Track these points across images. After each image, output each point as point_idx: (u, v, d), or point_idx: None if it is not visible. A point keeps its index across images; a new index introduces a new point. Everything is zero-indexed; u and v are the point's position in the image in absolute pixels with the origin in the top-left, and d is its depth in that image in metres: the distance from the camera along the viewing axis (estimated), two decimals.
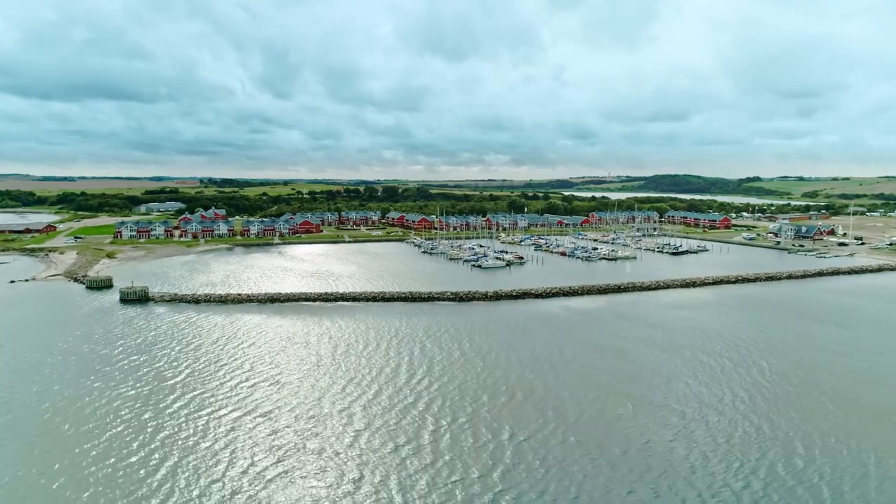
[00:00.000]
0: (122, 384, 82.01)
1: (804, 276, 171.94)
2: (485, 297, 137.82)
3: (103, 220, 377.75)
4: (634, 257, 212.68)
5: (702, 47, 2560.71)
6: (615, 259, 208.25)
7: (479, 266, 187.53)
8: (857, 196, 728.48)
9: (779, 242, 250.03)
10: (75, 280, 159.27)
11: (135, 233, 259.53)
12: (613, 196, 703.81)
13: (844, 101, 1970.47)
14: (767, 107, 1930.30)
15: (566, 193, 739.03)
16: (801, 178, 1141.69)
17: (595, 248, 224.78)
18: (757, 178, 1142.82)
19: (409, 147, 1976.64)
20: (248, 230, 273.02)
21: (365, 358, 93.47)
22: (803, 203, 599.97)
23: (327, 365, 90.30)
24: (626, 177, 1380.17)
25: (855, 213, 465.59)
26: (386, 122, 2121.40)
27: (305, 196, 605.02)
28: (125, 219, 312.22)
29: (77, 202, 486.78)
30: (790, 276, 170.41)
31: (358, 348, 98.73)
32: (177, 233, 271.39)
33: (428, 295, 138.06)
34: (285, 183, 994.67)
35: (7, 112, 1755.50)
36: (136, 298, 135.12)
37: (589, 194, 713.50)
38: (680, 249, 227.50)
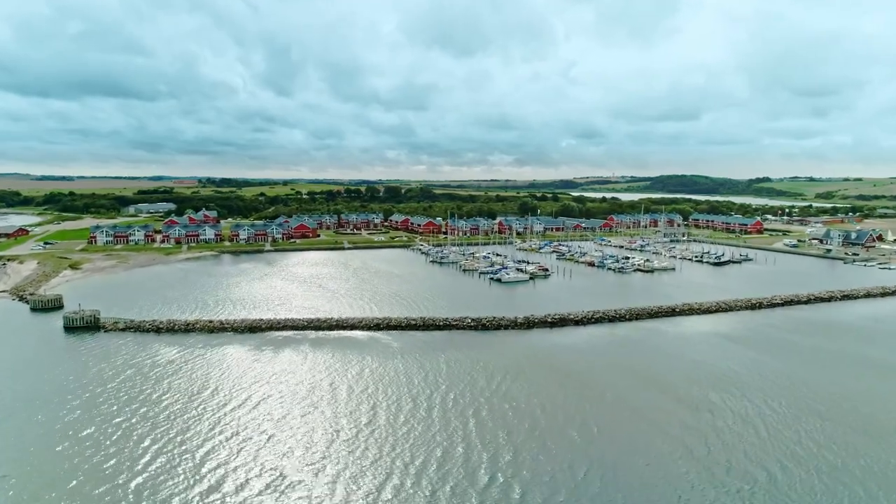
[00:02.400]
0: (46, 491, 54.82)
1: (884, 293, 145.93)
2: (514, 325, 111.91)
3: (87, 221, 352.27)
4: (673, 268, 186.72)
5: (719, 43, 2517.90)
6: (652, 271, 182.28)
7: (499, 280, 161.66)
8: (876, 197, 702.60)
9: (829, 251, 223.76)
10: (21, 298, 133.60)
11: (111, 238, 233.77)
12: (624, 197, 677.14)
13: (859, 99, 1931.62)
14: (780, 105, 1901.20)
15: (574, 194, 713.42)
16: (811, 179, 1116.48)
17: (626, 258, 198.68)
18: (767, 179, 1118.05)
19: (412, 146, 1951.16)
20: (237, 235, 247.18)
21: (401, 433, 66.34)
22: (829, 205, 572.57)
23: (348, 445, 63.64)
24: (631, 177, 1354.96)
25: (885, 216, 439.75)
26: (390, 121, 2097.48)
27: (304, 197, 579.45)
28: (102, 222, 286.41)
29: (62, 203, 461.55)
30: (868, 294, 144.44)
31: (387, 414, 71.69)
32: (159, 238, 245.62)
33: (444, 322, 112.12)
34: (284, 183, 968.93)
35: (6, 110, 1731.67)
36: (84, 325, 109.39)
37: (599, 195, 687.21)
38: (722, 259, 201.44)
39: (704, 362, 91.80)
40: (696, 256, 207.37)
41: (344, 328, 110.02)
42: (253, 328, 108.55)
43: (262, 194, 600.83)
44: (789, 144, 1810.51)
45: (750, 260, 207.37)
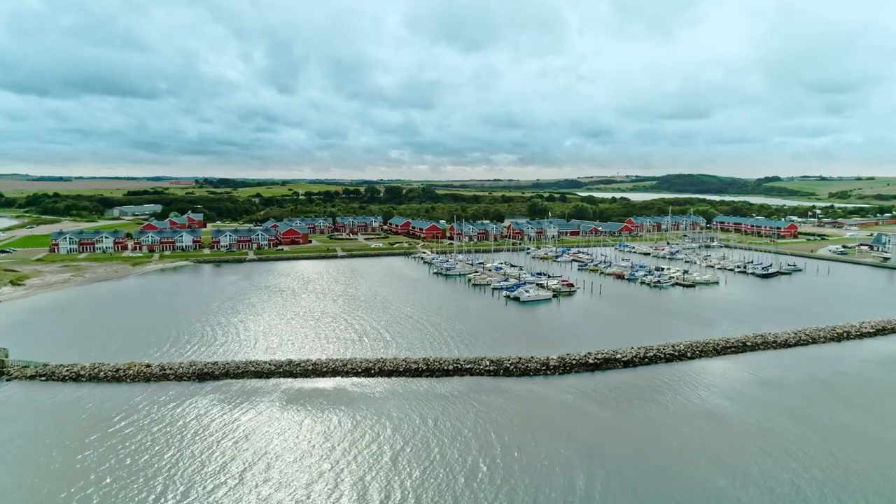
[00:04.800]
0: None
1: None
2: (546, 368, 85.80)
3: (65, 225, 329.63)
4: (716, 282, 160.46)
5: (739, 37, 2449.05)
6: (693, 285, 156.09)
7: (517, 299, 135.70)
8: (895, 197, 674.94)
9: (886, 259, 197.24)
10: None
11: (75, 245, 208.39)
12: (632, 197, 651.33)
13: (875, 96, 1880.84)
14: (795, 102, 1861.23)
15: (582, 194, 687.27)
16: (821, 178, 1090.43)
17: (660, 269, 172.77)
18: (776, 178, 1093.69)
19: (417, 146, 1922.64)
20: (218, 241, 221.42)
21: None
22: (850, 206, 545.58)
23: None
24: (636, 176, 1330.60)
25: None
26: (395, 120, 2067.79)
27: (301, 198, 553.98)
28: (66, 227, 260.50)
29: (43, 204, 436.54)
30: None
31: None
32: (131, 244, 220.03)
33: (456, 365, 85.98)
34: (283, 183, 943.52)
35: (3, 109, 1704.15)
36: None
37: (608, 195, 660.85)
38: (770, 270, 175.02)
39: (830, 454, 65.63)
40: (738, 267, 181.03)
41: (325, 374, 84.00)
42: (203, 375, 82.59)
43: (258, 195, 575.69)
44: (798, 143, 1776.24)
45: (799, 270, 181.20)
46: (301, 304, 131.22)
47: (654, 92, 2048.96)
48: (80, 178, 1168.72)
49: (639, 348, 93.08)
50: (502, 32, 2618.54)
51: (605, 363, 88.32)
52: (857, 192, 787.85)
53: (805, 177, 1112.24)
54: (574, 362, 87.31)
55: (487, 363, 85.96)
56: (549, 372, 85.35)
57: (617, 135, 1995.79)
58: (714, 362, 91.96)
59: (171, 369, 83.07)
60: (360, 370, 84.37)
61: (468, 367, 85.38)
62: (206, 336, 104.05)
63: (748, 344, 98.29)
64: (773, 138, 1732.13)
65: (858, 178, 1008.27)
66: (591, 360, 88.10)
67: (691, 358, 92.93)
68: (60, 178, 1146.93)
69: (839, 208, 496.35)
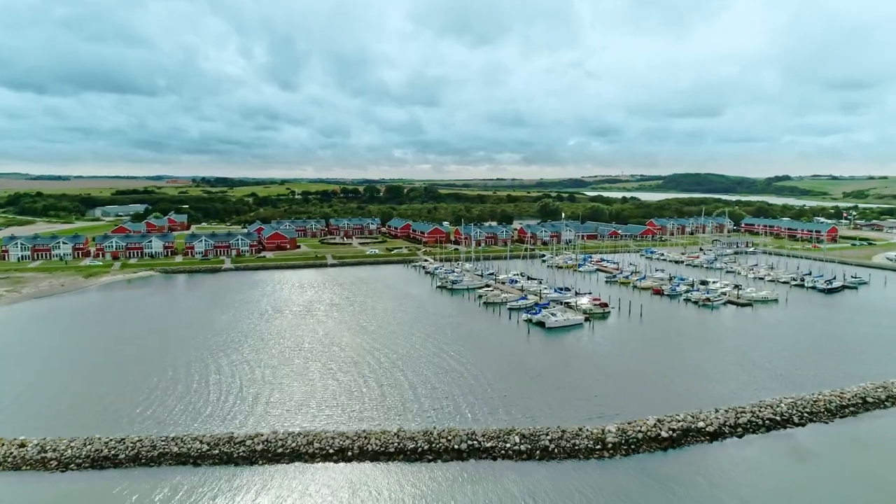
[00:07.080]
0: None
1: None
2: (602, 447, 59.42)
3: (39, 227, 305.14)
4: (775, 299, 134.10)
5: (756, 30, 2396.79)
6: (750, 303, 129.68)
7: (542, 324, 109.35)
8: None
9: None
10: None
11: (27, 252, 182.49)
12: (642, 197, 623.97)
13: (891, 93, 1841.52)
14: (809, 99, 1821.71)
15: (590, 194, 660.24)
16: (832, 177, 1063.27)
17: (704, 282, 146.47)
18: (786, 177, 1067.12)
19: (420, 145, 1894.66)
20: (192, 248, 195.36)
21: None
22: (876, 206, 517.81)
23: None
24: (641, 175, 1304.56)
25: None
26: (399, 118, 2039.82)
27: (297, 197, 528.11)
28: (19, 232, 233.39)
29: (21, 204, 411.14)
30: None
31: None
32: (93, 251, 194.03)
33: (471, 442, 59.42)
34: (282, 182, 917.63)
35: (2, 106, 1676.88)
36: None
37: (617, 195, 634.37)
38: (834, 284, 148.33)
39: None
40: (794, 279, 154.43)
41: (280, 458, 57.69)
42: (102, 460, 56.35)
43: (253, 194, 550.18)
44: (807, 142, 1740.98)
45: (865, 283, 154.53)
46: (261, 338, 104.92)
47: (665, 88, 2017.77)
48: (80, 177, 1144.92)
49: (726, 411, 66.61)
50: (511, 25, 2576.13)
51: (684, 436, 61.97)
52: (874, 192, 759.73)
53: (816, 176, 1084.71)
54: (640, 436, 60.93)
55: (517, 439, 59.64)
56: (605, 452, 59.00)
57: (624, 133, 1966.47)
58: (830, 430, 65.72)
59: (55, 451, 56.85)
60: (331, 451, 58.10)
61: (489, 445, 59.11)
62: (118, 392, 77.54)
63: (868, 400, 71.91)
64: (782, 137, 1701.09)
65: (871, 178, 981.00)
66: (663, 434, 61.68)
67: (799, 423, 66.61)
68: (59, 178, 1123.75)
69: (864, 209, 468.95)
